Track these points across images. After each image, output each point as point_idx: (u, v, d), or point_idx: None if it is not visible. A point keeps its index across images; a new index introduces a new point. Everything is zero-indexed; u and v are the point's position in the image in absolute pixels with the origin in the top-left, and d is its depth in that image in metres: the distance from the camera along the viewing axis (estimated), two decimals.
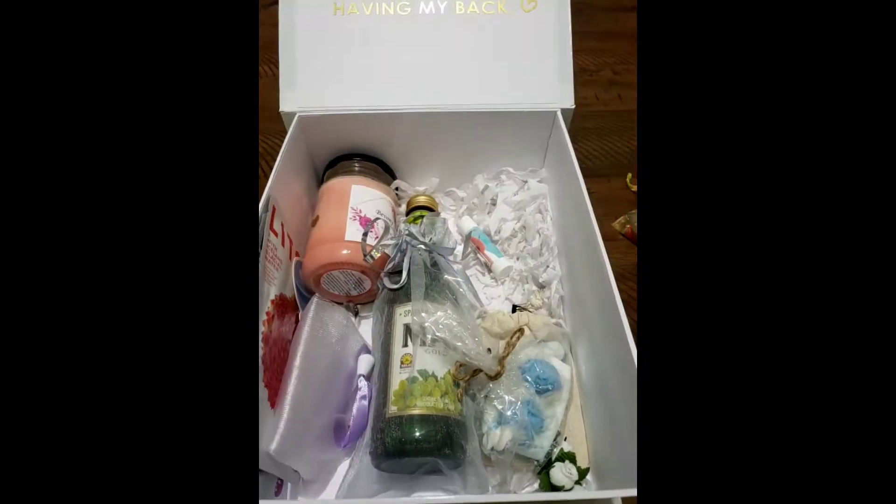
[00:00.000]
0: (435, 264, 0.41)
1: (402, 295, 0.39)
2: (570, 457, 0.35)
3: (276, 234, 0.39)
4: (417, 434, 0.32)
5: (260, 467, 0.32)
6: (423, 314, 0.36)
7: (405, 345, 0.36)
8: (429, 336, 0.35)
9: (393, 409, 0.34)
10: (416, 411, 0.33)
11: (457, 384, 0.35)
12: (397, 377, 0.35)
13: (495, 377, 0.34)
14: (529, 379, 0.35)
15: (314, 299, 0.40)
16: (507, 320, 0.41)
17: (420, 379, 0.34)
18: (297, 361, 0.36)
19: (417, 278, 0.39)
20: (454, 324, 0.34)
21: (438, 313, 0.35)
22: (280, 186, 0.42)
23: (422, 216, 0.47)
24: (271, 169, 0.66)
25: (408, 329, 0.37)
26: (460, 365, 0.35)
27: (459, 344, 0.33)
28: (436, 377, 0.35)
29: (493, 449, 0.34)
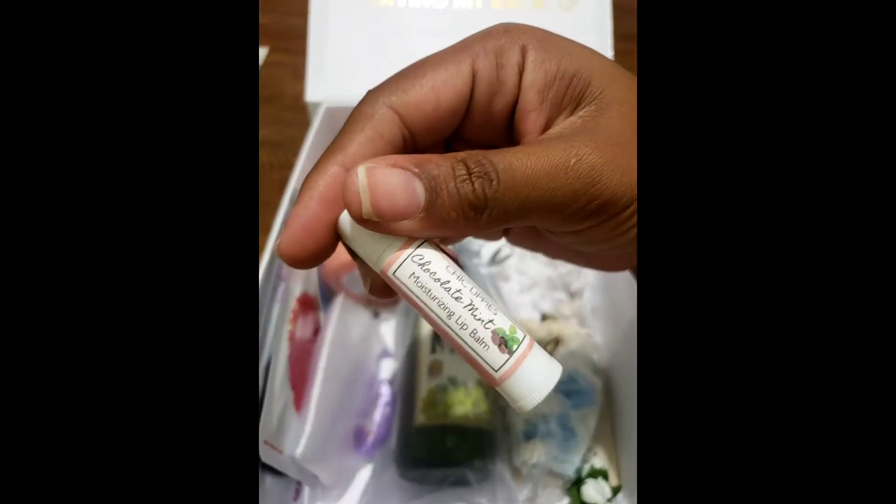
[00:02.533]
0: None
1: None
2: (602, 474, 0.33)
3: None
4: (448, 445, 0.31)
5: (282, 470, 0.31)
6: None
7: (433, 351, 0.35)
8: None
9: (421, 417, 0.32)
10: (446, 421, 0.32)
11: (487, 394, 0.34)
12: (425, 384, 0.34)
13: None
14: (564, 391, 0.34)
15: (338, 299, 0.38)
16: (537, 329, 0.39)
17: (451, 387, 0.33)
18: (322, 363, 0.34)
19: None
20: None
21: None
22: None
23: None
24: (288, 160, 0.65)
25: (436, 334, 0.36)
26: None
27: None
28: (466, 385, 0.33)
29: (524, 462, 0.32)
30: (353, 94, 0.48)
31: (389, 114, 0.16)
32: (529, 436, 0.33)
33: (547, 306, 0.43)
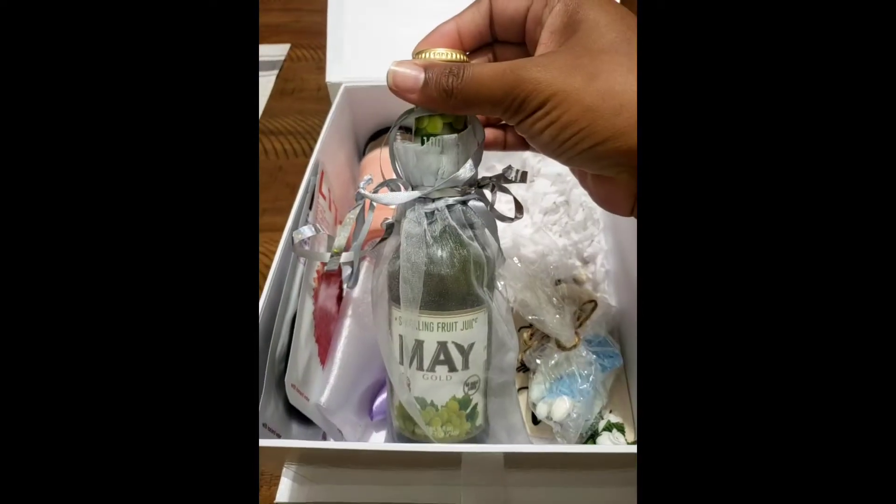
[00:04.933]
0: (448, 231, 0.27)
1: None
2: (618, 427, 0.34)
3: (324, 198, 0.40)
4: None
5: (308, 415, 0.33)
6: (423, 330, 0.27)
7: (401, 362, 0.29)
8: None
9: (397, 423, 0.32)
10: (416, 438, 0.31)
11: (464, 405, 0.30)
12: (397, 395, 0.31)
13: (571, 348, 0.34)
14: (593, 353, 0.34)
15: (363, 263, 0.40)
16: (578, 290, 0.40)
17: (418, 406, 0.30)
18: (347, 321, 0.36)
19: (409, 272, 0.26)
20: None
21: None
22: (326, 155, 0.42)
23: (430, 135, 0.25)
24: (311, 147, 0.68)
25: (402, 342, 0.29)
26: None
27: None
28: (435, 406, 0.30)
29: (550, 418, 0.33)
30: (370, 74, 0.50)
31: (486, 4, 0.25)
32: (558, 393, 0.34)
33: (562, 274, 0.44)
